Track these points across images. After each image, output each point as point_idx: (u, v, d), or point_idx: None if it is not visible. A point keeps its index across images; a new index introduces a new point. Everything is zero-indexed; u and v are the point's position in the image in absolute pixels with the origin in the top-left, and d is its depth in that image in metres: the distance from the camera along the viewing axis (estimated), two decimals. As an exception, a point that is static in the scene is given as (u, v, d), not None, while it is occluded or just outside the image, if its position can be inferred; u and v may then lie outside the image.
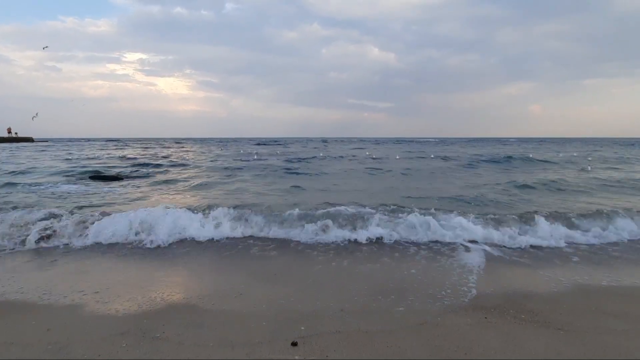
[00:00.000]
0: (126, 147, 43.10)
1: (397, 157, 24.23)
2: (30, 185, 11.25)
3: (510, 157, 21.18)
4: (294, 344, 2.74)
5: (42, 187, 10.95)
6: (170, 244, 5.41)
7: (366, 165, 18.78)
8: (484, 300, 3.54)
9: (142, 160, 20.66)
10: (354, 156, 25.51)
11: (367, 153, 27.16)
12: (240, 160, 21.59)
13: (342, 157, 24.99)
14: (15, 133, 69.50)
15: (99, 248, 5.28)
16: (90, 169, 15.81)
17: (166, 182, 12.49)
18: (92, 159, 22.66)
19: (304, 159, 22.50)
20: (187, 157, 23.90)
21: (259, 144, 51.82)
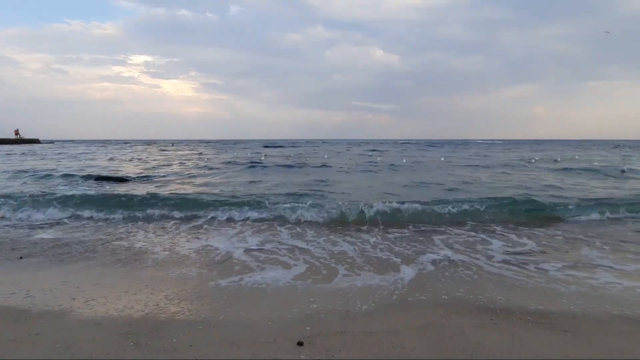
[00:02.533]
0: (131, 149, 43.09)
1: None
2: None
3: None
4: (300, 343, 2.75)
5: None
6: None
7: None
8: (490, 302, 3.55)
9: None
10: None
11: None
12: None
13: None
14: (20, 136, 70.20)
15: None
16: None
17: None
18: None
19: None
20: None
21: (266, 146, 49.55)
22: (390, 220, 7.05)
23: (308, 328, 3.01)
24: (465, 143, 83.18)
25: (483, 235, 6.08)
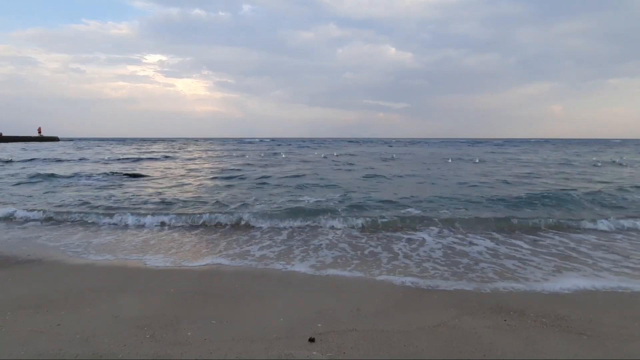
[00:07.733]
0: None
1: None
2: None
3: None
4: (312, 339, 2.77)
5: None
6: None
7: None
8: (504, 303, 3.50)
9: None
10: None
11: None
12: None
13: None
14: (41, 134, 72.45)
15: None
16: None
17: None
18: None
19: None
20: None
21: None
22: None
23: (319, 325, 3.04)
24: (480, 142, 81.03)
25: None
